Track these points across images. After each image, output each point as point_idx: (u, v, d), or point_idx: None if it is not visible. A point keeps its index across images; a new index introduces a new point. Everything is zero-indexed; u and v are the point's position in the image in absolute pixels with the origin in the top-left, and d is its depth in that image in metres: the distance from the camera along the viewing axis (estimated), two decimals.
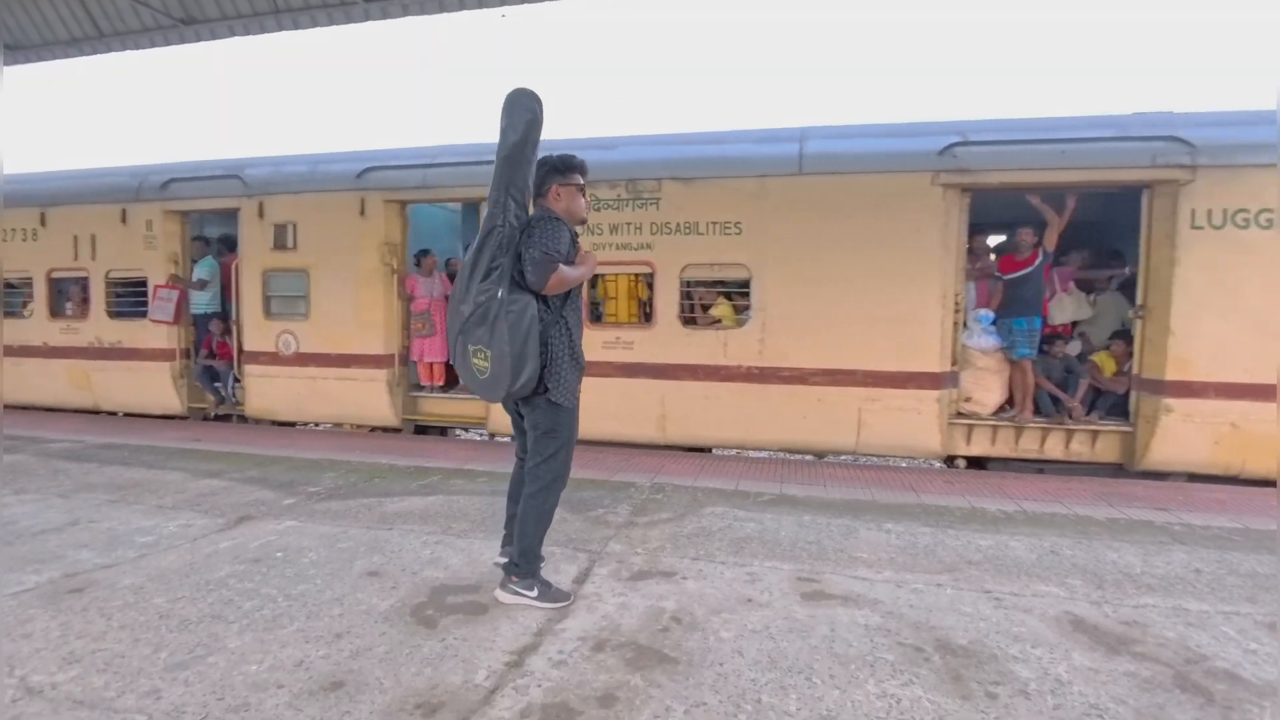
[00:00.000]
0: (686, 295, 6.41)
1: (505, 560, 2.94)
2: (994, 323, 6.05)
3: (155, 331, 7.80)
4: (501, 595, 2.88)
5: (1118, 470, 5.80)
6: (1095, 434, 5.86)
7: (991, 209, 6.21)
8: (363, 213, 6.89)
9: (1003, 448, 6.02)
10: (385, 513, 4.21)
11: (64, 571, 3.16)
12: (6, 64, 8.82)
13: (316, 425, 7.73)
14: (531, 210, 2.83)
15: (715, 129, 6.50)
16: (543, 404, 2.83)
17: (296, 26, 7.11)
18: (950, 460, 6.19)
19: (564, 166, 2.83)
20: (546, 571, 3.14)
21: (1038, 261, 5.86)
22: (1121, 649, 2.52)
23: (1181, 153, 5.37)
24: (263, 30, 7.20)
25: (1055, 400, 6.02)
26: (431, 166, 6.85)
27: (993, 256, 6.52)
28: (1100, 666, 2.38)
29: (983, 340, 6.00)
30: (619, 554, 3.50)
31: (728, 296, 6.54)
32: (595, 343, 6.30)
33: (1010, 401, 6.08)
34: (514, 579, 2.87)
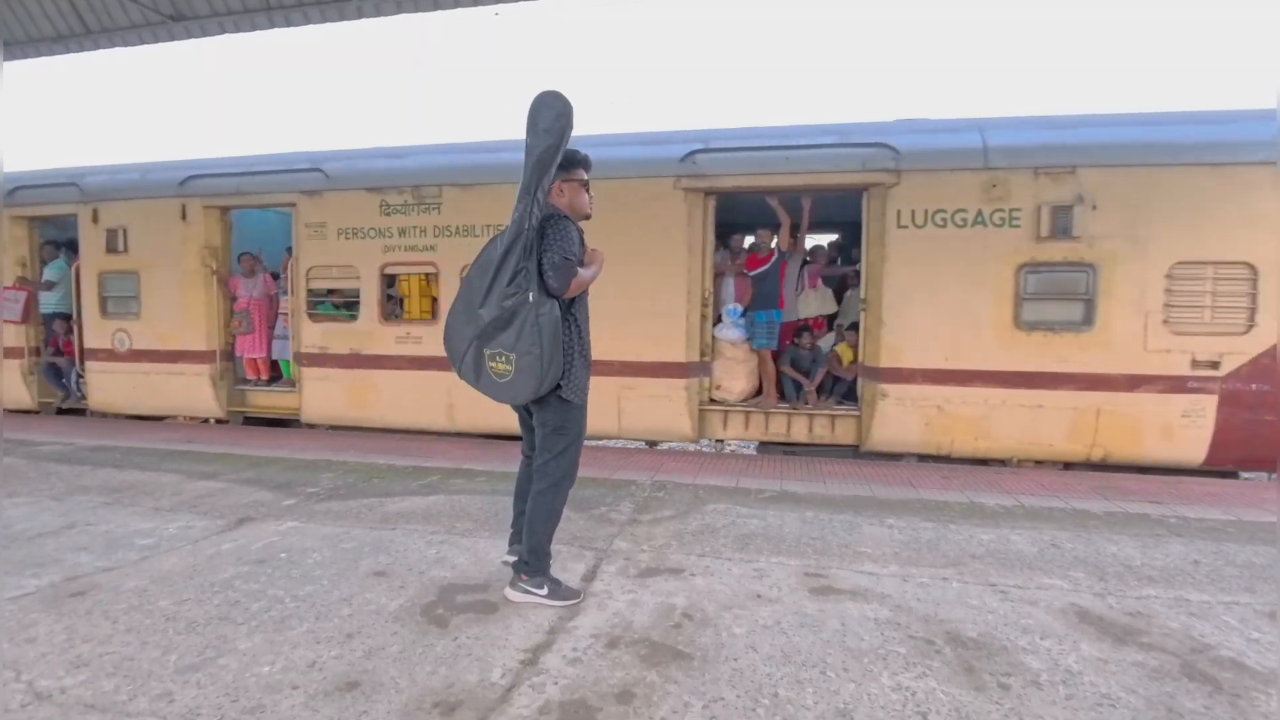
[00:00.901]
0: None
1: (514, 559, 2.94)
2: (742, 316, 6.50)
3: (7, 331, 8.13)
4: (511, 594, 2.87)
5: (854, 452, 6.30)
6: (834, 418, 6.36)
7: (764, 210, 6.55)
8: (184, 218, 7.44)
9: (755, 432, 6.50)
10: (387, 513, 4.18)
11: (64, 575, 3.11)
12: None
13: (162, 419, 8.02)
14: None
15: (493, 139, 6.86)
16: (554, 401, 2.82)
17: (289, 24, 7.04)
18: (720, 442, 6.86)
19: (567, 162, 2.82)
20: (555, 569, 3.14)
21: (773, 259, 6.38)
22: (1128, 639, 2.55)
23: (888, 158, 5.89)
24: (254, 27, 7.12)
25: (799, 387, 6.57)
26: (246, 175, 7.39)
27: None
28: (1109, 657, 2.41)
29: (730, 333, 6.47)
30: (625, 551, 3.51)
31: None
32: (389, 338, 6.98)
33: (778, 389, 6.60)
34: (524, 577, 2.86)
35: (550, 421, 2.86)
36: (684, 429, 6.39)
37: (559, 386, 2.78)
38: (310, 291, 7.25)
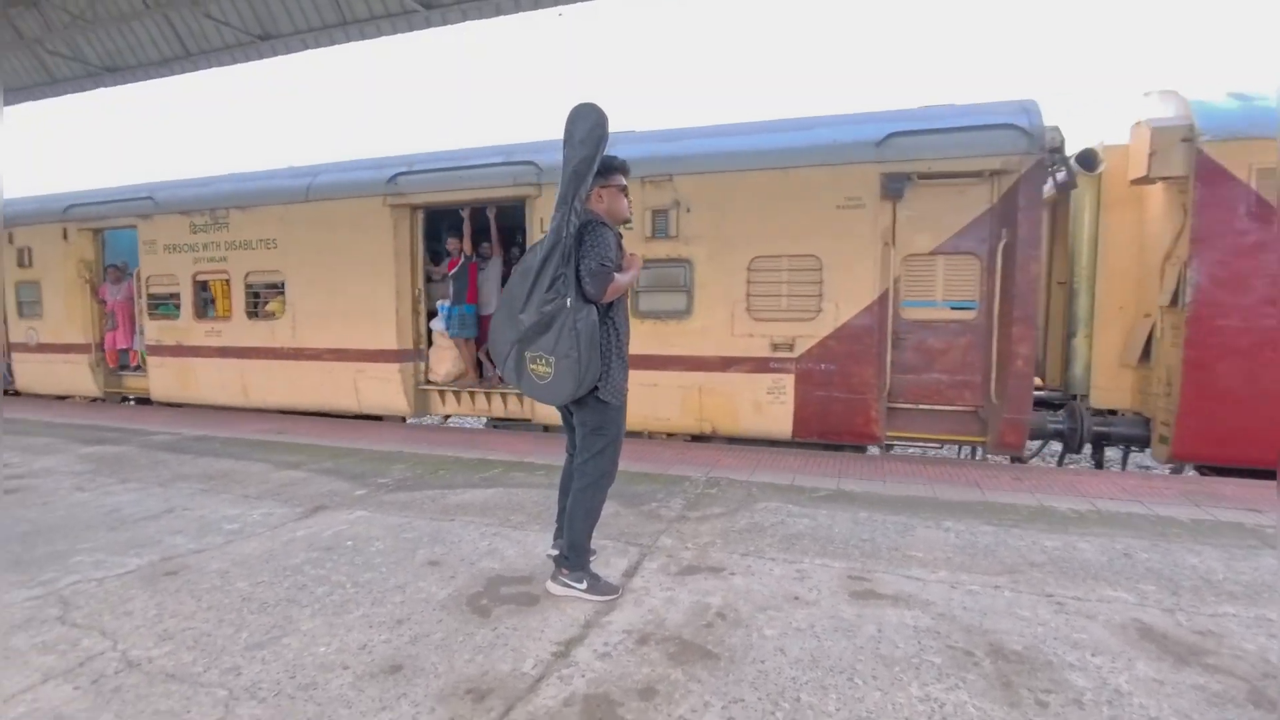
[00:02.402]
0: (254, 295, 8.27)
1: (557, 553, 3.04)
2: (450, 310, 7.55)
3: None
4: (552, 587, 2.98)
5: (528, 425, 7.37)
6: (520, 396, 7.27)
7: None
8: (65, 238, 9.28)
9: (465, 408, 7.64)
10: (448, 504, 4.40)
11: (161, 555, 3.46)
12: (103, 86, 9.59)
13: (64, 398, 9.94)
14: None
15: (270, 168, 8.43)
16: (592, 402, 2.90)
17: (363, 36, 7.43)
18: (446, 418, 8.20)
19: (605, 169, 2.87)
20: (598, 564, 3.23)
21: (461, 262, 7.48)
22: (1192, 660, 2.39)
23: (533, 174, 6.80)
24: (332, 42, 7.55)
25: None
26: (106, 203, 9.10)
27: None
28: (1166, 678, 2.26)
29: (436, 324, 7.57)
30: (669, 549, 3.56)
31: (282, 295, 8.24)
32: (201, 332, 8.57)
33: (479, 372, 7.78)
34: (564, 571, 2.96)
35: (589, 422, 2.94)
36: (401, 405, 7.62)
37: (597, 388, 2.86)
38: (151, 295, 8.87)
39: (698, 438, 6.61)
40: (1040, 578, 3.15)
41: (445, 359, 7.59)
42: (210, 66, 8.33)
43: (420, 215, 7.42)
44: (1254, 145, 5.17)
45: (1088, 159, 5.94)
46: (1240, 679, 2.27)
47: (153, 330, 8.84)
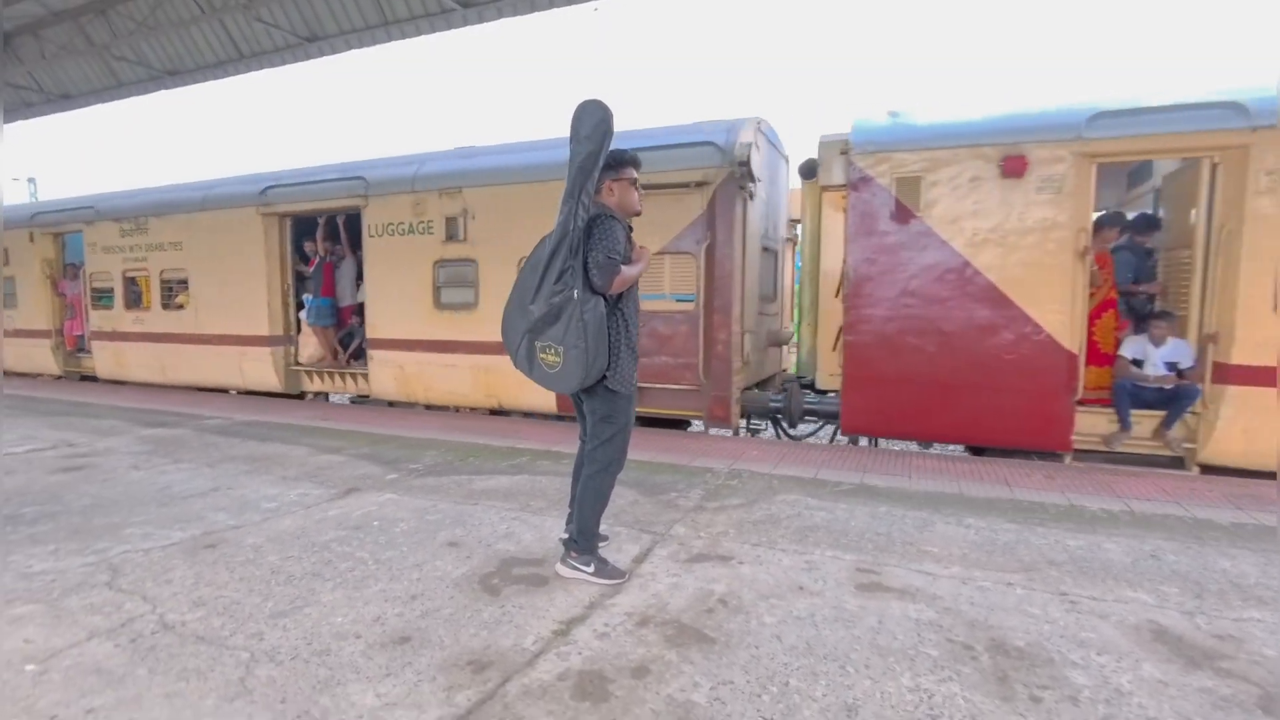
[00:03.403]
0: (167, 289, 9.72)
1: (568, 536, 3.13)
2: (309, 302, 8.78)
3: None
4: (561, 569, 3.07)
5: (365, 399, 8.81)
6: (355, 376, 8.64)
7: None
8: (32, 240, 11.09)
9: (328, 386, 8.98)
10: (473, 489, 4.54)
11: (203, 530, 3.69)
12: (164, 89, 10.13)
13: (36, 375, 11.71)
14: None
15: (197, 180, 9.85)
16: (601, 391, 2.97)
17: (404, 36, 7.65)
18: (302, 395, 9.27)
19: (615, 162, 2.93)
20: (610, 550, 3.32)
21: (318, 262, 8.70)
22: (1204, 663, 2.32)
23: (361, 187, 8.02)
24: (374, 42, 7.80)
25: (353, 354, 8.93)
26: (61, 210, 10.83)
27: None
28: (1172, 680, 2.21)
29: (303, 315, 8.90)
30: (681, 537, 3.61)
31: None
32: (129, 320, 10.11)
33: (335, 355, 8.99)
34: (573, 554, 3.05)
35: (598, 410, 3.01)
36: (274, 382, 9.02)
37: (605, 377, 2.92)
38: (94, 289, 10.49)
39: (495, 412, 7.75)
40: (1057, 576, 3.09)
41: (309, 344, 9.05)
42: (261, 68, 8.73)
43: (288, 222, 8.81)
44: (895, 157, 5.84)
45: (807, 168, 6.70)
46: (1253, 684, 2.19)
47: (95, 319, 10.55)
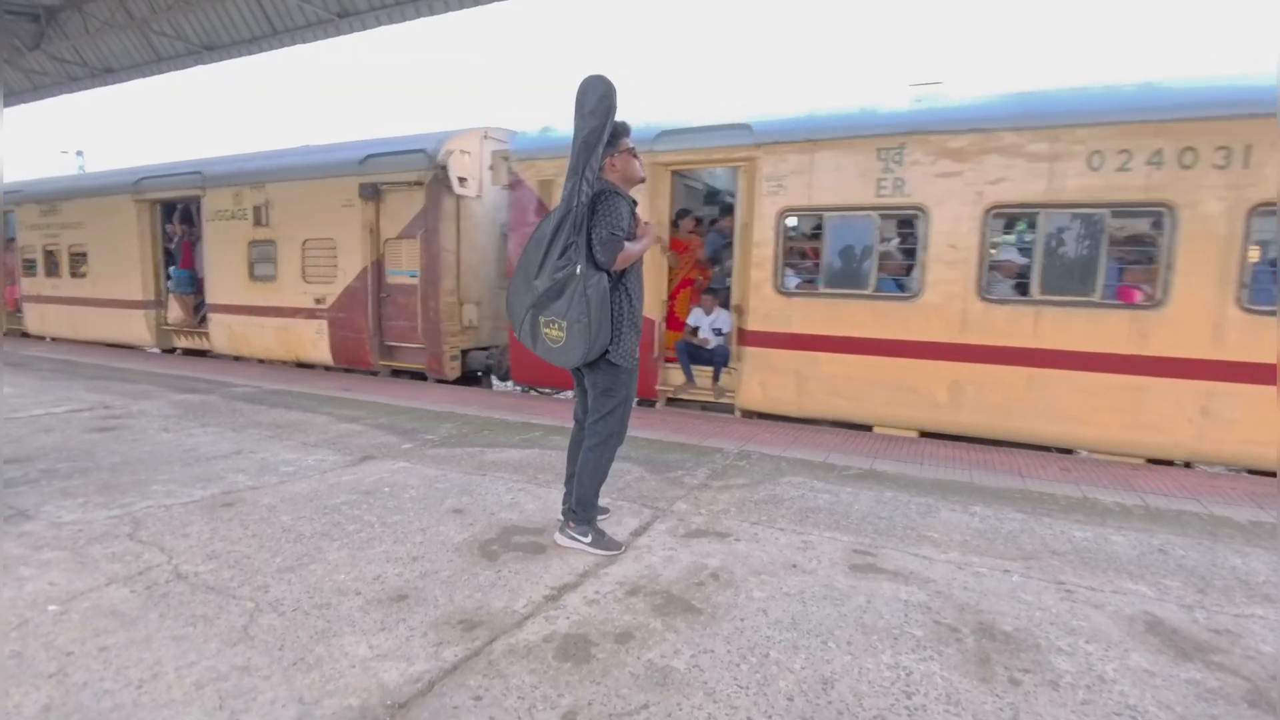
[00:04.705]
0: (74, 260, 11.76)
1: (563, 520, 3.18)
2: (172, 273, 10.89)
3: None
4: (559, 539, 3.13)
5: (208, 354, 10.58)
6: (204, 334, 10.35)
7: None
8: None
9: (190, 343, 10.79)
10: (484, 461, 4.64)
11: (222, 489, 3.84)
12: (201, 64, 10.38)
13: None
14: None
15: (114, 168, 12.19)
16: (604, 365, 3.00)
17: (432, 12, 7.68)
18: (172, 350, 11.09)
19: (612, 136, 2.93)
20: (610, 523, 3.37)
21: (177, 239, 10.69)
22: (1195, 656, 2.29)
23: (200, 180, 9.78)
24: (404, 18, 7.86)
25: (203, 317, 10.51)
26: (7, 193, 12.45)
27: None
28: (1160, 670, 2.19)
29: (169, 284, 10.89)
30: (682, 513, 3.65)
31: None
32: (48, 286, 12.34)
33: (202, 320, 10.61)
34: (571, 525, 3.11)
35: (600, 383, 3.05)
36: (148, 339, 10.99)
37: (608, 351, 2.95)
38: (25, 260, 12.59)
39: (301, 365, 9.38)
40: (1057, 565, 3.06)
41: (175, 308, 10.99)
42: (294, 44, 8.87)
43: (157, 207, 10.65)
44: (538, 164, 7.19)
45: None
46: (1243, 679, 2.16)
47: (25, 285, 12.77)
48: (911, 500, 3.99)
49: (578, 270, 2.82)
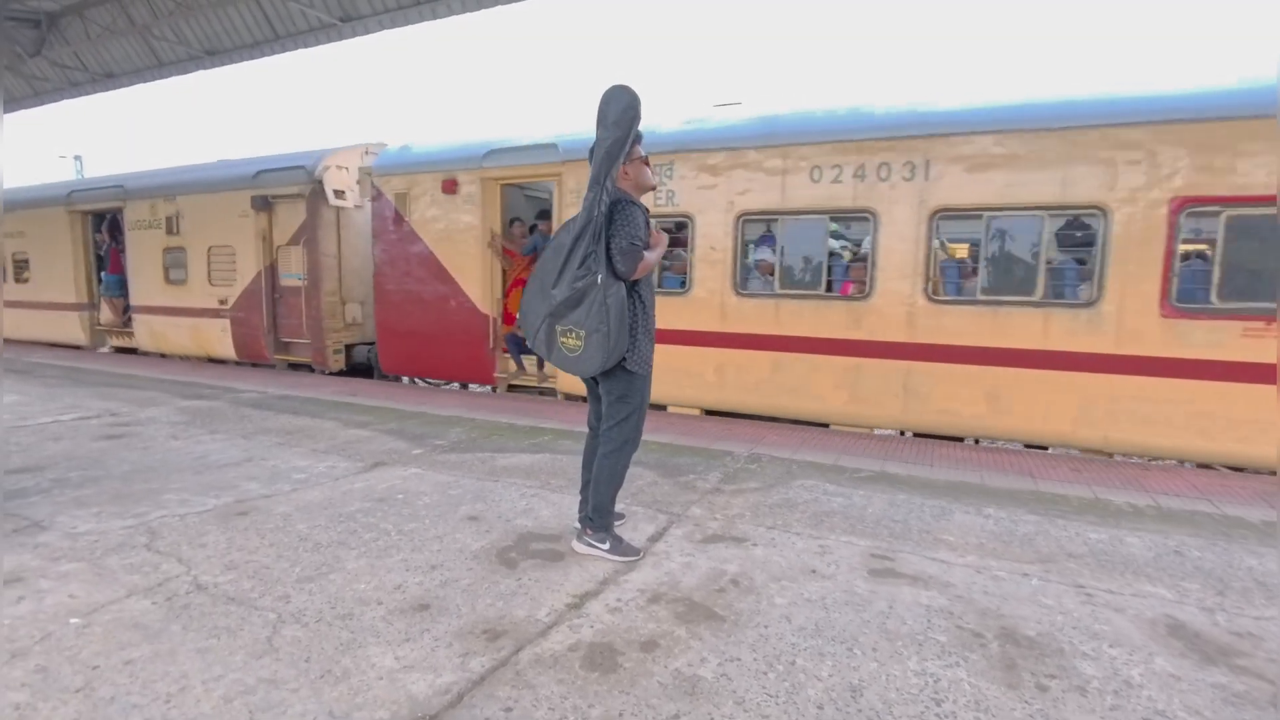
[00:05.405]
0: (19, 266, 12.61)
1: (580, 528, 3.18)
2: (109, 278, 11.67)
3: None
4: (577, 546, 3.13)
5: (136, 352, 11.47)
6: (129, 335, 11.18)
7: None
8: None
9: (120, 342, 11.58)
10: (495, 466, 4.63)
11: (236, 498, 3.84)
12: (202, 69, 10.38)
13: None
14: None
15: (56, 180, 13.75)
16: (619, 372, 3.00)
17: (435, 16, 7.68)
18: (117, 349, 11.81)
19: None
20: (625, 528, 3.37)
21: (105, 246, 11.64)
22: (1220, 660, 2.29)
23: (120, 194, 10.67)
24: (407, 22, 7.86)
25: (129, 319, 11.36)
26: None
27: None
28: (1185, 675, 2.19)
29: (100, 288, 11.71)
30: (697, 518, 3.65)
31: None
32: None
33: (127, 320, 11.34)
34: (589, 531, 3.11)
35: (615, 390, 3.05)
36: (82, 338, 11.83)
37: (624, 359, 2.95)
38: None
39: (215, 360, 10.24)
40: (1075, 568, 3.06)
41: (106, 310, 11.71)
42: (296, 48, 8.87)
43: (88, 217, 11.58)
44: (393, 178, 8.06)
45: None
46: (1269, 682, 2.17)
47: None
48: (925, 503, 3.99)
49: (599, 279, 2.82)
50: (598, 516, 3.09)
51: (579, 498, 3.30)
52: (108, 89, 12.37)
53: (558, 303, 2.93)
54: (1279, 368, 4.73)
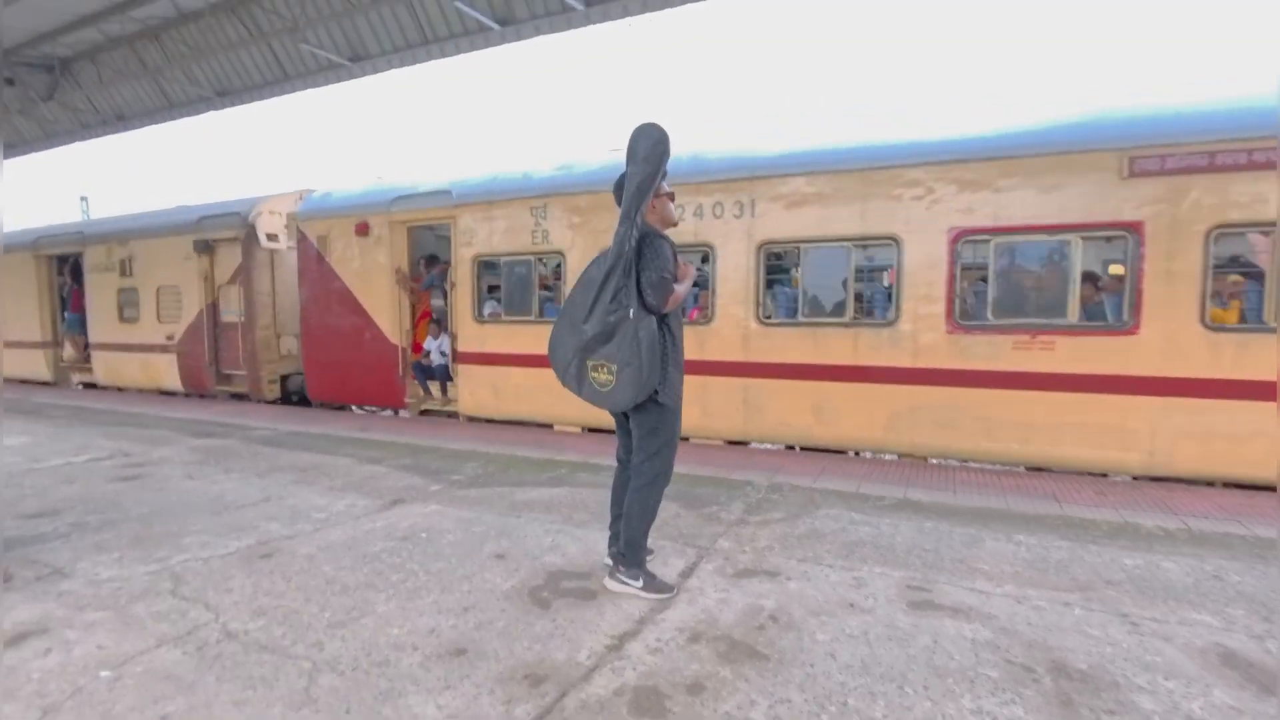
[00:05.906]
0: None
1: (612, 564, 3.13)
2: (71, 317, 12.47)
3: None
4: (610, 583, 3.08)
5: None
6: (91, 369, 12.07)
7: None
8: None
9: (83, 377, 12.22)
10: (515, 501, 4.59)
11: (258, 539, 3.79)
12: (213, 109, 10.57)
13: None
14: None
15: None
16: (650, 405, 2.98)
17: (443, 55, 7.84)
18: (85, 385, 12.34)
19: None
20: (655, 564, 3.32)
21: (67, 287, 12.42)
22: (1278, 690, 2.24)
23: (79, 239, 11.63)
24: (415, 61, 8.00)
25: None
26: None
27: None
28: (1245, 707, 2.14)
29: (63, 327, 12.55)
30: (726, 551, 3.60)
31: None
32: None
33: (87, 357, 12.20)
34: (621, 569, 3.06)
35: (646, 423, 3.03)
36: (46, 374, 12.55)
37: (657, 392, 2.94)
38: None
39: (165, 392, 10.92)
40: (1115, 596, 3.01)
41: (69, 347, 12.52)
42: (306, 88, 9.04)
43: (52, 261, 12.45)
44: (315, 222, 8.84)
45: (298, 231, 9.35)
46: None
47: None
48: (954, 530, 3.95)
49: (630, 313, 2.83)
50: (630, 553, 3.04)
51: (607, 533, 3.26)
52: (118, 131, 12.56)
53: (589, 337, 2.93)
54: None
